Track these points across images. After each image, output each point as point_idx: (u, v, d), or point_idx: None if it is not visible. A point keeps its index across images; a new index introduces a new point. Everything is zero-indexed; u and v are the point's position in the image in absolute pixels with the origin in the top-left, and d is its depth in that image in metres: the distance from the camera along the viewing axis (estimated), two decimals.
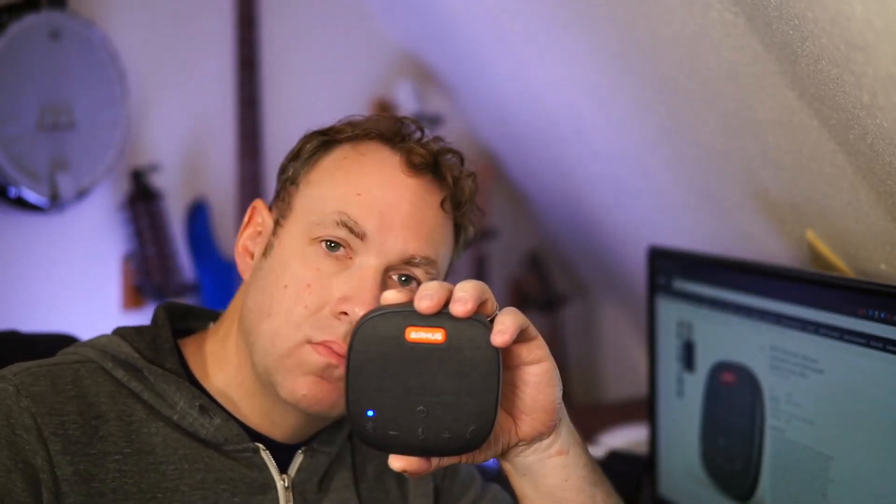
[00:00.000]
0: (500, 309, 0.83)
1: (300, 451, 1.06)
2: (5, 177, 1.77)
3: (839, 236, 1.38)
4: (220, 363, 1.05)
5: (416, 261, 0.99)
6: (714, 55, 1.37)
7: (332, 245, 0.98)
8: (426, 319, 0.79)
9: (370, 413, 0.80)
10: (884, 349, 1.14)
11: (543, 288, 2.70)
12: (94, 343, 1.04)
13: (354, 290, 0.96)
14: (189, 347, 1.07)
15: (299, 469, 1.05)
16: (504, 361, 0.82)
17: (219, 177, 2.22)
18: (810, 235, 1.44)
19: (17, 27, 1.76)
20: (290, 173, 1.05)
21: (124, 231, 2.07)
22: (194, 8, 2.16)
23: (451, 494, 1.15)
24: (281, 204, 1.05)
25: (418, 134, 1.05)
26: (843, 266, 1.39)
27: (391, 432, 0.80)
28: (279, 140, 2.23)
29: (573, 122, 2.05)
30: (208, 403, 1.01)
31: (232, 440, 1.01)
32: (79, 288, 2.02)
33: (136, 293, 2.09)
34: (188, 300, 2.13)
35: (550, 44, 1.87)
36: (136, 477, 0.97)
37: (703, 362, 1.45)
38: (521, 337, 0.82)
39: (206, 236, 2.21)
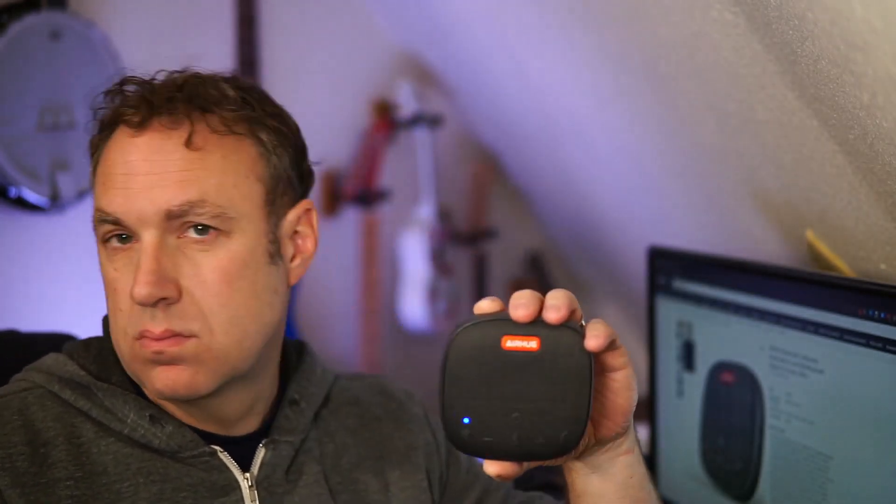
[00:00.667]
0: (586, 320, 0.84)
1: (261, 445, 1.04)
2: (5, 177, 1.77)
3: (839, 236, 1.38)
4: None
5: (176, 211, 0.95)
6: (714, 55, 1.37)
7: (109, 239, 0.98)
8: (521, 328, 0.81)
9: (466, 420, 0.81)
10: (884, 349, 1.14)
11: (543, 288, 2.69)
12: (41, 365, 1.03)
13: (135, 278, 0.95)
14: None
15: (262, 464, 1.03)
16: (594, 367, 0.83)
17: None
18: (810, 235, 1.44)
19: (17, 27, 1.76)
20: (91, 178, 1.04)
21: None
22: (194, 8, 2.16)
23: (455, 486, 1.15)
24: None
25: (143, 89, 1.00)
26: (843, 266, 1.39)
27: (486, 438, 0.81)
28: None
29: (573, 121, 2.05)
30: (158, 413, 1.00)
31: (186, 446, 1.00)
32: (79, 288, 2.02)
33: None
34: None
35: (550, 44, 1.87)
36: (90, 500, 0.96)
37: (703, 362, 1.45)
38: (610, 346, 0.83)
39: None
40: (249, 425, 1.05)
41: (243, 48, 2.15)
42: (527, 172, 2.57)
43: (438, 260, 2.42)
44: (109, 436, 0.99)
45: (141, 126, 0.97)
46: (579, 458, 0.91)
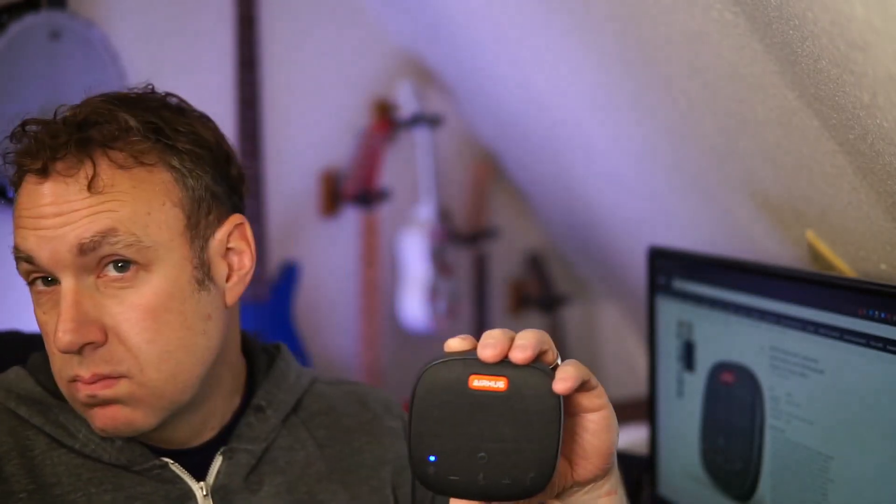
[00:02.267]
0: (562, 360, 0.84)
1: (219, 454, 1.03)
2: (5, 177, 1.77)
3: (839, 236, 1.38)
4: None
5: (88, 244, 0.93)
6: (714, 55, 1.37)
7: (47, 281, 0.96)
8: (489, 368, 0.80)
9: (432, 458, 0.81)
10: (884, 349, 1.13)
11: (543, 288, 2.70)
12: (2, 381, 1.03)
13: (56, 326, 0.94)
14: None
15: (218, 473, 1.02)
16: (565, 409, 0.83)
17: None
18: (810, 235, 1.44)
19: (16, 27, 1.76)
20: None
21: None
22: (194, 8, 2.16)
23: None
24: None
25: (34, 131, 0.97)
26: (843, 266, 1.39)
27: (452, 477, 0.81)
28: (279, 140, 2.23)
29: (573, 121, 2.05)
30: None
31: (136, 460, 0.99)
32: None
33: None
34: None
35: (550, 43, 1.87)
36: None
37: (703, 362, 1.45)
38: (583, 387, 0.83)
39: None
40: (206, 436, 1.04)
41: (243, 48, 2.15)
42: (527, 172, 2.57)
43: (438, 260, 2.42)
44: (61, 448, 0.99)
45: (43, 173, 0.95)
46: (559, 497, 0.89)
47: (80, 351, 0.93)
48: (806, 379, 1.25)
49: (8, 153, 0.98)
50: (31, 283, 0.98)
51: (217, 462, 1.02)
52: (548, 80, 2.01)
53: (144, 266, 0.95)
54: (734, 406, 1.38)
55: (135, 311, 0.95)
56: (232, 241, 1.02)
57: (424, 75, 2.46)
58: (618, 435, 0.88)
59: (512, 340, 0.80)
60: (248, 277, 1.03)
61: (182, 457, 1.02)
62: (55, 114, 0.99)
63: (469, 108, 2.52)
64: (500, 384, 0.80)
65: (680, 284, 1.49)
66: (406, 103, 2.38)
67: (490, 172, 2.60)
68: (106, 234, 0.93)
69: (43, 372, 1.01)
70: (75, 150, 0.94)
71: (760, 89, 1.31)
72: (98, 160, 0.95)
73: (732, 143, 1.53)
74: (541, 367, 0.81)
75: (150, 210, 0.95)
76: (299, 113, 2.30)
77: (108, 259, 0.94)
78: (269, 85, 2.20)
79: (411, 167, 2.44)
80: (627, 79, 1.72)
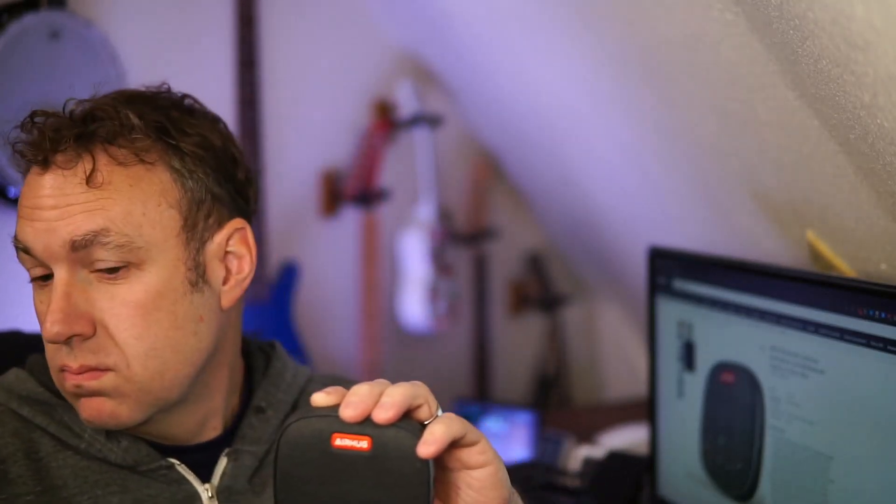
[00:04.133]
0: (441, 412, 0.80)
1: (223, 455, 1.03)
2: (5, 177, 1.77)
3: (839, 236, 1.38)
4: None
5: (80, 242, 0.94)
6: (714, 55, 1.37)
7: (46, 277, 0.97)
8: (352, 426, 0.76)
9: None
10: (884, 349, 1.13)
11: (543, 288, 2.70)
12: (3, 382, 1.03)
13: (46, 316, 0.95)
14: None
15: (223, 475, 1.02)
16: (445, 463, 0.80)
17: None
18: (810, 235, 1.44)
19: (16, 27, 1.76)
20: None
21: None
22: (194, 8, 2.15)
23: None
24: None
25: (42, 122, 0.98)
26: (843, 266, 1.39)
27: None
28: (279, 140, 2.23)
29: (573, 121, 2.05)
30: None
31: (142, 461, 0.99)
32: None
33: None
34: None
35: (550, 43, 1.87)
36: None
37: (704, 362, 1.45)
38: (461, 443, 0.79)
39: None
40: (209, 434, 1.04)
41: (243, 48, 2.15)
42: (527, 172, 2.57)
43: (438, 260, 2.42)
44: (67, 450, 0.99)
45: (45, 164, 0.96)
46: None
47: (68, 342, 0.94)
48: (806, 379, 1.25)
49: (17, 143, 0.99)
50: (32, 279, 0.99)
51: (222, 463, 1.03)
52: (548, 81, 2.01)
53: (136, 264, 0.95)
54: (734, 406, 1.38)
55: (125, 306, 0.95)
56: (231, 244, 1.02)
57: (424, 75, 2.46)
58: (508, 490, 0.83)
59: (378, 398, 0.77)
60: (247, 282, 1.03)
61: (186, 457, 1.02)
62: (63, 107, 1.00)
63: (469, 108, 2.52)
64: (363, 444, 0.76)
65: (680, 284, 1.49)
66: (406, 103, 2.38)
67: (490, 172, 2.60)
68: (98, 234, 0.94)
69: (44, 372, 1.02)
70: (75, 143, 0.95)
71: (760, 89, 1.31)
72: (98, 155, 0.95)
73: (733, 143, 1.53)
74: (407, 427, 0.77)
75: (146, 210, 0.96)
76: (299, 113, 2.30)
77: (100, 260, 0.95)
78: (269, 85, 2.20)
79: (411, 167, 2.44)
80: (627, 79, 1.72)
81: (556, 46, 1.86)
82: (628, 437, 1.98)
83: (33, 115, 0.99)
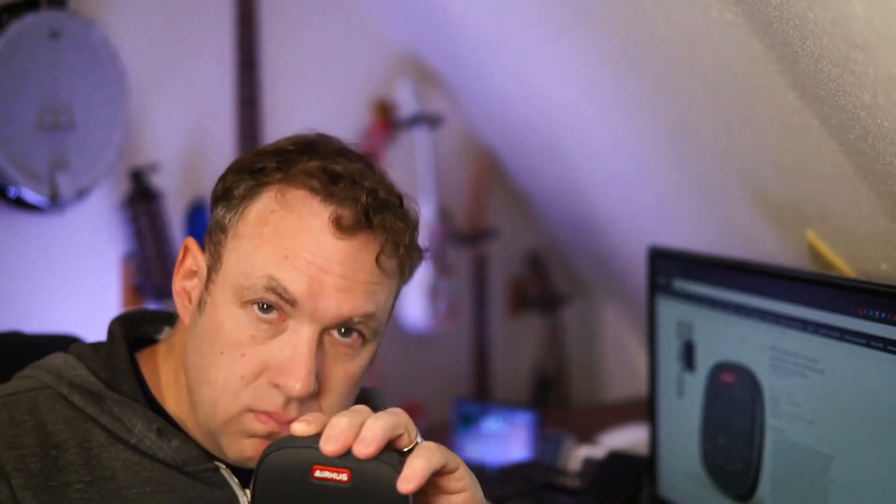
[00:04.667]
0: (420, 440, 0.80)
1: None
2: (5, 177, 1.77)
3: (839, 236, 1.38)
4: (174, 392, 1.04)
5: (355, 321, 0.97)
6: (714, 55, 1.37)
7: (265, 308, 0.95)
8: (331, 459, 0.76)
9: None
10: (884, 349, 1.13)
11: (543, 288, 2.70)
12: (49, 365, 1.02)
13: (288, 361, 0.94)
14: (146, 364, 1.06)
15: None
16: (424, 489, 0.80)
17: (218, 176, 2.21)
18: (810, 235, 1.44)
19: (16, 27, 1.76)
20: (220, 217, 1.01)
21: (124, 231, 2.07)
22: (194, 8, 2.15)
23: None
24: (212, 248, 1.01)
25: (348, 178, 0.98)
26: (843, 266, 1.39)
27: None
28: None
29: (573, 121, 2.05)
30: (165, 426, 1.00)
31: (191, 461, 1.00)
32: (78, 288, 2.02)
33: (135, 293, 2.09)
34: None
35: (550, 43, 1.87)
36: None
37: (704, 362, 1.45)
38: (440, 472, 0.80)
39: None
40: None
41: (243, 48, 2.15)
42: (527, 172, 2.57)
43: (438, 260, 2.42)
44: (118, 443, 0.99)
45: (349, 232, 0.96)
46: None
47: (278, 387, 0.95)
48: (806, 379, 1.25)
49: (298, 170, 0.98)
50: (244, 303, 0.96)
51: None
52: (548, 81, 2.01)
53: (365, 341, 0.99)
54: (734, 406, 1.38)
55: (347, 379, 0.98)
56: None
57: (424, 75, 2.46)
58: None
59: (358, 431, 0.77)
60: None
61: (230, 463, 1.02)
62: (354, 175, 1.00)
63: (469, 108, 2.52)
64: (343, 476, 0.76)
65: (680, 284, 1.49)
66: (406, 103, 2.38)
67: (490, 172, 2.60)
68: (370, 317, 0.97)
69: (93, 360, 1.02)
70: (383, 221, 0.98)
71: (760, 89, 1.31)
72: (387, 235, 0.98)
73: (733, 143, 1.53)
74: (388, 460, 0.77)
75: (389, 299, 1.01)
76: (299, 113, 2.30)
77: (347, 336, 0.97)
78: (269, 85, 2.20)
79: (411, 167, 2.44)
80: (627, 79, 1.72)
81: (557, 46, 1.86)
82: (628, 437, 1.98)
83: (326, 159, 0.99)
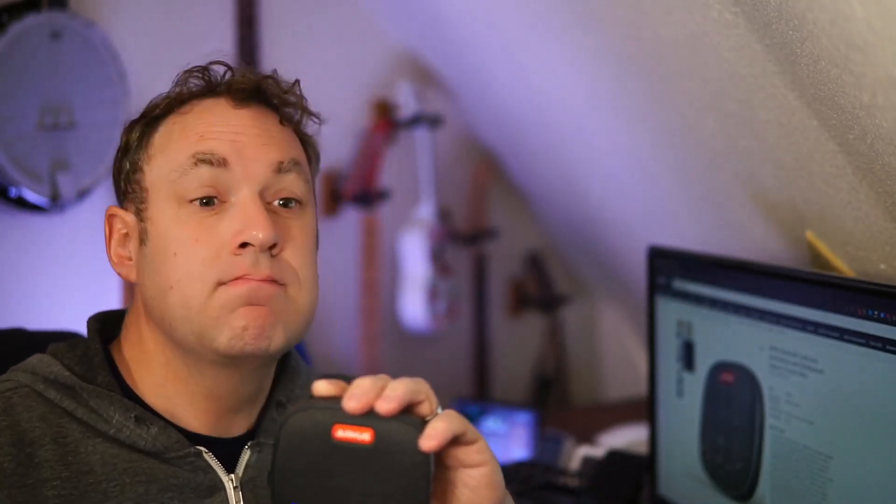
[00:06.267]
0: (441, 410, 0.80)
1: (247, 448, 1.05)
2: (6, 177, 1.77)
3: (839, 236, 1.38)
4: (145, 366, 1.04)
5: (285, 165, 1.02)
6: (714, 55, 1.37)
7: (204, 201, 0.99)
8: (354, 418, 0.76)
9: None
10: (884, 349, 1.14)
11: (543, 288, 2.70)
12: (26, 366, 1.03)
13: (244, 221, 0.98)
14: (118, 354, 1.06)
15: (247, 466, 1.04)
16: (443, 461, 0.80)
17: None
18: (810, 235, 1.44)
19: (17, 27, 1.76)
20: (129, 165, 1.06)
21: None
22: (194, 8, 2.16)
23: None
24: (133, 195, 1.05)
25: (229, 73, 1.08)
26: (843, 266, 1.39)
27: None
28: None
29: (573, 121, 2.05)
30: (143, 413, 1.00)
31: (172, 447, 1.00)
32: (79, 287, 2.02)
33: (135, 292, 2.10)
34: None
35: (550, 44, 1.87)
36: (77, 500, 0.96)
37: (703, 362, 1.45)
38: (460, 441, 0.80)
39: None
40: (239, 427, 1.06)
41: (243, 48, 2.15)
42: (527, 172, 2.57)
43: (438, 260, 2.42)
44: (96, 436, 0.99)
45: (245, 102, 1.04)
46: None
47: (269, 250, 0.99)
48: (806, 379, 1.25)
49: (190, 79, 1.08)
50: (183, 202, 1.00)
51: (246, 455, 1.04)
52: (548, 80, 2.01)
53: (302, 205, 1.04)
54: (734, 406, 1.39)
55: (300, 234, 1.03)
56: None
57: (424, 75, 2.46)
58: (503, 492, 0.84)
59: (381, 391, 0.77)
60: None
61: (213, 449, 1.03)
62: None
63: (469, 108, 2.52)
64: (365, 436, 0.76)
65: (680, 284, 1.50)
66: (406, 103, 2.38)
67: (490, 172, 2.60)
68: (296, 163, 1.03)
69: (68, 356, 1.02)
70: (268, 93, 1.07)
71: (760, 89, 1.31)
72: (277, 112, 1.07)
73: (732, 143, 1.53)
74: (409, 421, 0.77)
75: (309, 178, 1.07)
76: None
77: (283, 192, 1.02)
78: None
79: (411, 167, 2.44)
80: (627, 79, 1.72)
81: (557, 46, 1.86)
82: (628, 437, 1.98)
83: (213, 62, 1.11)
